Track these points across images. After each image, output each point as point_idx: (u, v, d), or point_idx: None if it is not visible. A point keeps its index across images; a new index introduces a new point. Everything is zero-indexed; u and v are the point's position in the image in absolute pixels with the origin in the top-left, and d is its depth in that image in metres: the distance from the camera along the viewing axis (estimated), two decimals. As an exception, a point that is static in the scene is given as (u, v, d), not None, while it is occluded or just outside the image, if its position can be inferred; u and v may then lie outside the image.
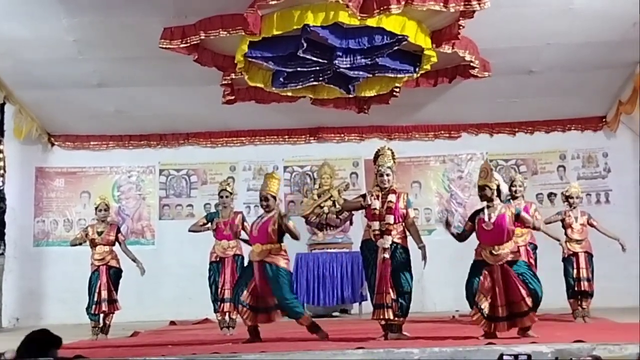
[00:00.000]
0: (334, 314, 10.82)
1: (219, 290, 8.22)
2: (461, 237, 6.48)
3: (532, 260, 8.08)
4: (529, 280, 6.18)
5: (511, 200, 8.15)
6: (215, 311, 8.38)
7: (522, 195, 8.38)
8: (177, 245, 11.33)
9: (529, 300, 6.11)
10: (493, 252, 6.18)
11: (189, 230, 8.53)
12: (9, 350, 5.36)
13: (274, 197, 6.81)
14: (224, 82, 9.49)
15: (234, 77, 9.29)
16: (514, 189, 8.22)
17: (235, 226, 8.24)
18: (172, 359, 5.51)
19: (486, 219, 6.26)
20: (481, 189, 6.35)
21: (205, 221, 8.44)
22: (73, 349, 6.46)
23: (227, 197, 8.33)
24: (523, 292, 6.11)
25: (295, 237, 6.74)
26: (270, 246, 6.69)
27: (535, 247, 8.27)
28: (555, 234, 8.53)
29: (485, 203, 6.34)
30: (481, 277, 6.20)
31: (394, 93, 10.12)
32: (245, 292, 6.65)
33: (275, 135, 12.03)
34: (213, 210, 10.72)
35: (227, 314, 8.22)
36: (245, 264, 7.44)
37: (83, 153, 11.93)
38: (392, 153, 6.77)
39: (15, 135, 11.02)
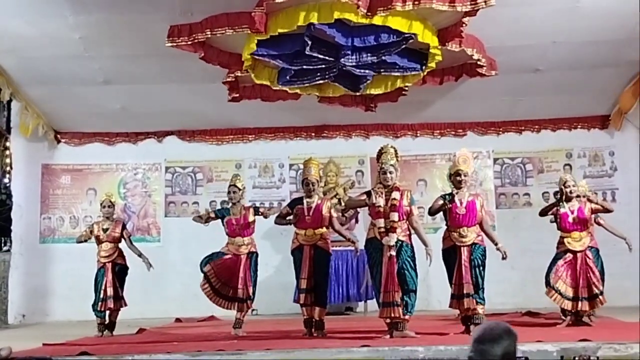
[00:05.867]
0: (345, 312, 10.82)
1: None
2: (431, 211, 7.02)
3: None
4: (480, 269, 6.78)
5: (564, 202, 7.71)
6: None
7: (577, 196, 7.73)
8: (183, 242, 11.36)
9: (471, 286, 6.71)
10: (462, 233, 6.75)
11: (193, 220, 8.19)
12: (5, 348, 5.39)
13: (317, 182, 7.32)
14: (227, 80, 9.49)
15: (239, 74, 9.30)
16: (567, 189, 7.67)
17: (249, 222, 7.76)
18: (177, 356, 5.53)
19: (458, 203, 6.82)
20: (461, 174, 6.93)
21: (214, 216, 7.95)
22: (79, 346, 6.50)
23: (235, 192, 7.87)
24: (469, 277, 6.73)
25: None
26: (322, 231, 7.11)
27: (597, 251, 8.10)
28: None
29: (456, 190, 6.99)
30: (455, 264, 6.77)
31: (403, 92, 10.10)
32: (302, 280, 7.04)
33: (281, 132, 12.03)
34: (218, 207, 10.68)
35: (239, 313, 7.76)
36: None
37: (89, 150, 11.93)
38: (395, 151, 6.86)
39: (21, 132, 11.05)
